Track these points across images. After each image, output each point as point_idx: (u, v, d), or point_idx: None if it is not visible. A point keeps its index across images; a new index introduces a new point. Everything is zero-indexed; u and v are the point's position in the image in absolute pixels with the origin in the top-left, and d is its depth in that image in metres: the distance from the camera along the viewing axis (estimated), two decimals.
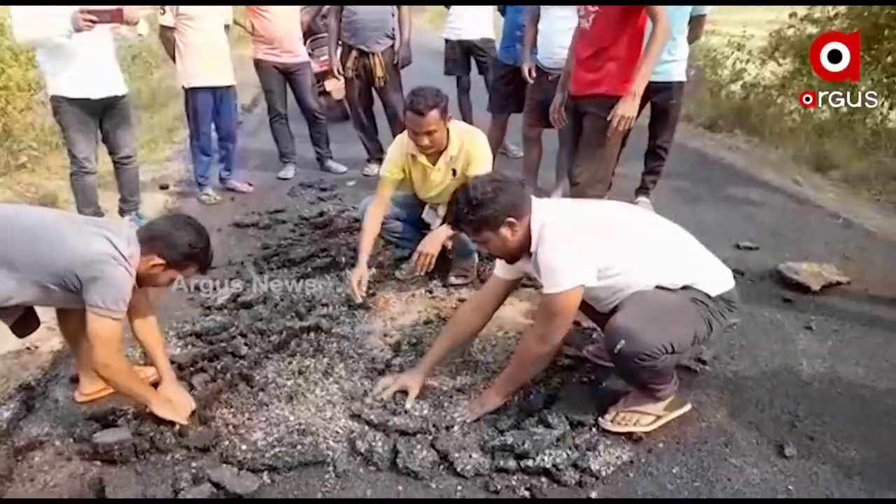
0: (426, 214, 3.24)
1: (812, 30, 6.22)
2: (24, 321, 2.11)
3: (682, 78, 3.74)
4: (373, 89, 4.83)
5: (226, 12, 4.30)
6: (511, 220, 1.99)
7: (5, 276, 1.84)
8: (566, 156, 3.58)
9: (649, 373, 1.95)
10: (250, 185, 4.74)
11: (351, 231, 3.81)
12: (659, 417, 2.09)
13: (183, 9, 4.03)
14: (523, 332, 2.56)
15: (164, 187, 4.83)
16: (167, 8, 4.02)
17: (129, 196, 3.90)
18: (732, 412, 2.18)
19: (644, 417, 2.08)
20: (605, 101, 2.94)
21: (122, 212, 3.95)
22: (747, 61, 6.97)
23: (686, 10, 3.51)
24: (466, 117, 5.45)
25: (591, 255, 1.95)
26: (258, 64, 4.77)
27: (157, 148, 6.12)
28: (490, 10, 5.12)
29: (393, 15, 4.69)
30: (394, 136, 4.95)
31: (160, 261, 1.97)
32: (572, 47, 3.20)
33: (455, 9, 5.07)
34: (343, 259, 3.36)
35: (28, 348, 2.63)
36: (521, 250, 2.05)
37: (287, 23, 4.63)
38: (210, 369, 2.41)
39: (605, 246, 1.98)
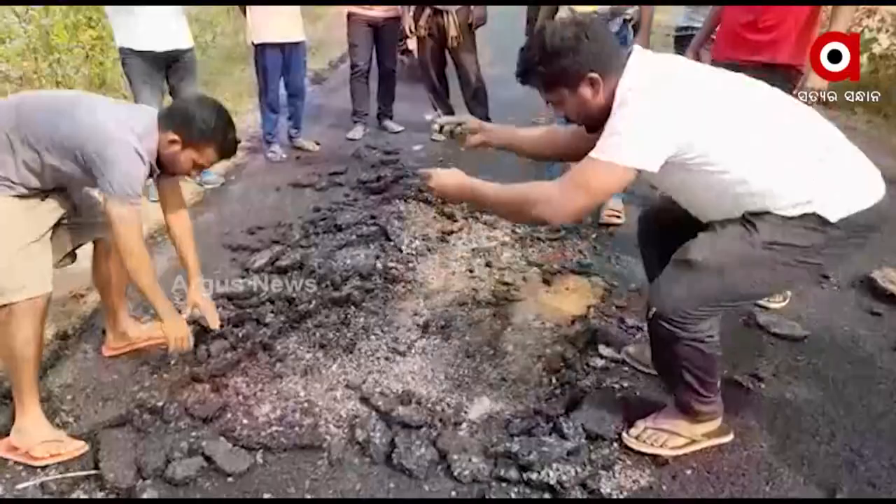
0: None
1: None
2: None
3: None
4: (446, 50, 4.62)
5: None
6: (594, 75, 1.59)
7: (27, 152, 1.81)
8: None
9: (687, 361, 1.67)
10: (317, 143, 4.71)
11: (406, 199, 3.68)
12: (693, 441, 1.84)
13: None
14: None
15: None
16: None
17: None
18: (783, 442, 1.89)
19: (674, 438, 1.83)
20: (785, 74, 2.52)
21: None
22: (879, 29, 6.14)
23: None
24: None
25: (672, 135, 1.50)
26: (349, 17, 4.73)
27: (241, 102, 6.22)
28: None
29: None
30: (465, 100, 4.80)
31: (176, 137, 1.90)
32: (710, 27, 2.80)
33: None
34: (389, 228, 3.25)
35: (75, 297, 2.72)
36: (604, 117, 1.60)
37: None
38: (231, 336, 2.38)
39: (700, 126, 1.51)
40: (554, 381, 2.15)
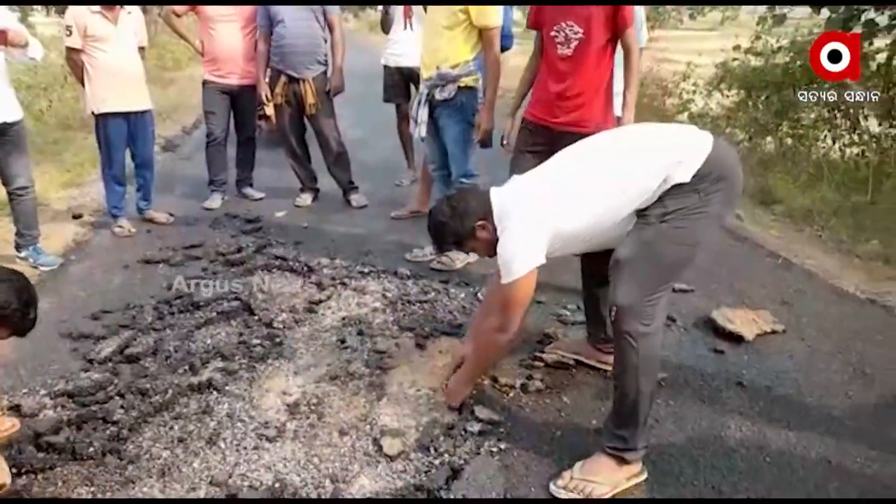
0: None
1: (756, 63, 6.22)
2: None
3: (619, 113, 3.59)
4: (304, 116, 4.60)
5: (139, 33, 4.04)
6: (481, 222, 2.11)
7: None
8: None
9: (644, 374, 1.89)
10: (171, 215, 4.44)
11: (269, 269, 3.55)
12: (617, 486, 1.93)
13: (91, 31, 3.77)
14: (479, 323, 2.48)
15: (77, 217, 4.50)
16: (73, 29, 3.75)
17: (26, 230, 3.57)
18: (652, 486, 1.98)
19: (601, 487, 1.91)
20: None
21: (18, 247, 3.62)
22: (694, 92, 6.96)
23: None
24: (407, 146, 5.27)
25: (544, 231, 1.98)
26: (204, 84, 4.61)
27: (83, 172, 5.78)
28: None
29: (326, 41, 4.48)
30: (327, 166, 4.77)
31: None
32: (528, 75, 3.07)
33: (394, 34, 4.88)
34: (252, 301, 3.10)
35: None
36: None
37: (233, 42, 4.42)
38: (73, 439, 2.12)
39: (560, 212, 1.98)
40: (432, 451, 2.11)
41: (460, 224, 2.13)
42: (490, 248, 2.14)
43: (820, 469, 2.06)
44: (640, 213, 1.93)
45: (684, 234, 1.87)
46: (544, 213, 1.99)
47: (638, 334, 1.86)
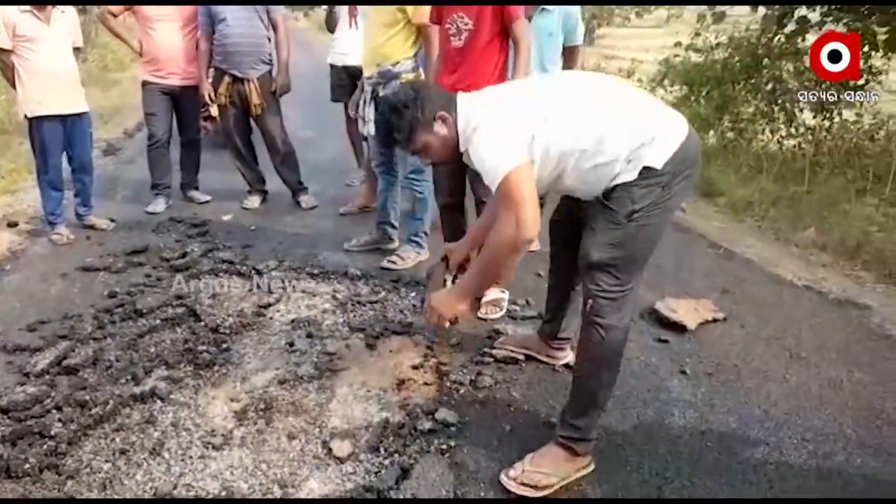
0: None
1: (696, 59, 6.39)
2: None
3: None
4: (250, 117, 4.52)
5: (74, 33, 3.91)
6: (443, 114, 1.96)
7: None
8: (448, 184, 3.22)
9: (605, 367, 1.94)
10: (112, 220, 4.31)
11: (216, 273, 3.48)
12: (564, 479, 1.96)
13: (21, 30, 3.63)
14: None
15: (12, 225, 4.31)
16: (1, 28, 3.59)
17: None
18: (600, 476, 2.01)
19: (550, 478, 1.93)
20: None
21: None
22: (639, 88, 7.11)
23: (558, 41, 3.43)
24: (356, 146, 5.23)
25: (521, 132, 1.84)
26: (144, 85, 4.49)
27: (19, 178, 5.56)
28: None
29: (269, 39, 4.41)
30: (275, 165, 4.70)
31: None
32: (435, 70, 3.10)
33: (339, 33, 4.83)
34: (198, 307, 3.04)
35: None
36: (458, 150, 2.00)
37: (173, 42, 4.31)
38: (7, 456, 2.04)
39: (535, 123, 1.85)
40: (382, 452, 2.10)
41: (420, 110, 1.95)
42: (443, 149, 2.01)
43: (759, 450, 2.14)
44: (606, 207, 1.87)
45: (649, 230, 1.88)
46: (520, 116, 1.87)
47: (609, 326, 1.90)
